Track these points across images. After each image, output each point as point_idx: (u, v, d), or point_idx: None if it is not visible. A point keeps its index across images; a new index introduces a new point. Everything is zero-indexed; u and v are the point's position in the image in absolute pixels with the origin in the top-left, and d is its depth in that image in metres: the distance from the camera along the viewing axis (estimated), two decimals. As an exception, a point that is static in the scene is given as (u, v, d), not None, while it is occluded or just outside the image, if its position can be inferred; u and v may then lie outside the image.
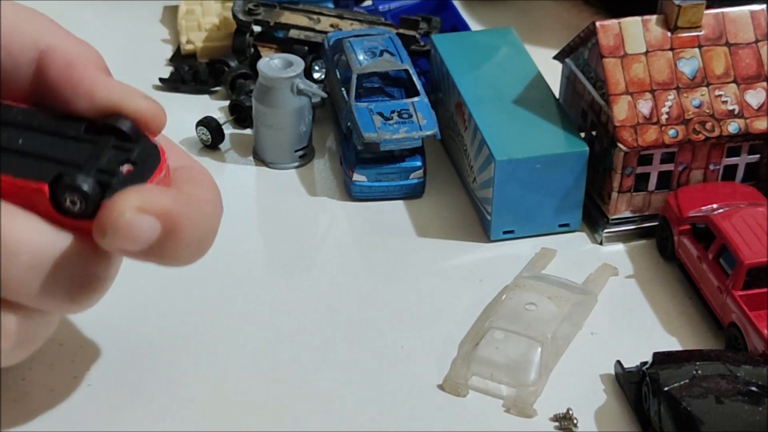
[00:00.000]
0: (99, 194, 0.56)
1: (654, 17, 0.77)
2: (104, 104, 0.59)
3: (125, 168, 0.57)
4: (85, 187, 0.55)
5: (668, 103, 0.76)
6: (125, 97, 0.59)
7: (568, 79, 0.83)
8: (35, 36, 0.61)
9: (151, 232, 0.56)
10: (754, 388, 0.62)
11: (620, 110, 0.75)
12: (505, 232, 0.79)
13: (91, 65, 0.60)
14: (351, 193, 0.82)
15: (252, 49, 0.94)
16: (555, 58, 0.84)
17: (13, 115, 0.59)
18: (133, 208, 0.55)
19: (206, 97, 0.93)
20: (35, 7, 0.64)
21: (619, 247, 0.79)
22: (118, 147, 0.58)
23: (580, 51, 0.80)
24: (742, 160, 0.78)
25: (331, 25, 0.93)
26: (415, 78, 0.83)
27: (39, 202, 0.56)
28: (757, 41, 0.77)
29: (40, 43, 0.60)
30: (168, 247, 0.57)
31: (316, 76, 0.91)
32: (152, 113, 0.60)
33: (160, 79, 0.93)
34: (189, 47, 0.96)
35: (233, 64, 0.93)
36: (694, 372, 0.63)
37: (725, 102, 0.76)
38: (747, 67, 0.77)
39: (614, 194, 0.77)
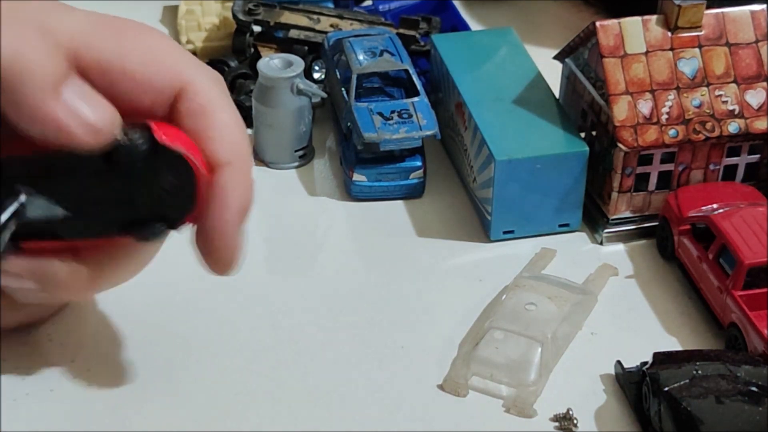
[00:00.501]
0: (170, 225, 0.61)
1: (654, 17, 0.77)
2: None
3: (166, 185, 0.59)
4: (157, 232, 0.61)
5: (668, 103, 0.76)
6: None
7: (568, 79, 0.83)
8: (177, 69, 0.61)
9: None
10: (754, 388, 0.62)
11: (620, 110, 0.75)
12: (505, 232, 0.79)
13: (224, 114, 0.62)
14: (351, 193, 0.82)
15: (252, 49, 0.94)
16: (555, 58, 0.83)
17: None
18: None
19: (206, 97, 0.92)
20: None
21: (619, 247, 0.79)
22: (146, 175, 0.59)
23: (580, 51, 0.80)
24: (742, 160, 0.78)
25: (331, 25, 0.93)
26: (415, 78, 0.83)
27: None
28: (757, 41, 0.77)
29: (182, 78, 0.61)
30: None
31: (316, 76, 0.91)
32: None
33: (160, 79, 0.93)
34: (189, 47, 0.96)
35: (233, 64, 0.93)
36: (695, 372, 0.63)
37: (725, 102, 0.76)
38: (747, 67, 0.77)
39: (614, 194, 0.77)
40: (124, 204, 0.59)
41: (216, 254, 0.61)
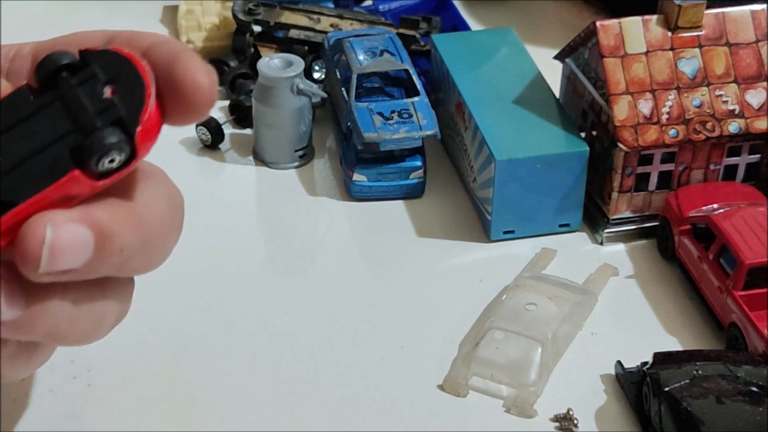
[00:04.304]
0: (123, 128, 0.49)
1: (654, 17, 0.77)
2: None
3: (108, 91, 0.50)
4: (112, 137, 0.49)
5: (669, 103, 0.76)
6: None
7: (569, 79, 0.83)
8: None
9: (83, 242, 0.50)
10: (754, 389, 0.62)
11: (621, 110, 0.75)
12: (505, 232, 0.79)
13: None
14: (351, 193, 0.82)
15: (252, 49, 0.94)
16: (555, 58, 0.83)
17: None
18: (58, 221, 0.49)
19: (206, 97, 0.92)
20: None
21: (620, 247, 0.79)
22: (82, 82, 0.50)
23: (580, 51, 0.80)
24: (743, 160, 0.78)
25: (331, 25, 0.93)
26: (415, 78, 0.83)
27: (77, 188, 0.50)
28: (757, 41, 0.77)
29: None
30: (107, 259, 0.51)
31: (316, 76, 0.91)
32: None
33: (160, 79, 0.93)
34: (189, 47, 0.96)
35: (233, 64, 0.93)
36: (695, 372, 0.63)
37: (726, 102, 0.76)
38: (747, 67, 0.77)
39: (614, 194, 0.77)
40: (68, 129, 0.49)
41: (185, 85, 0.51)
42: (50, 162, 0.50)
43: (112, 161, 0.49)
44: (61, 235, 0.49)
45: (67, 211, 0.49)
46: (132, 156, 0.50)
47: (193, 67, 0.51)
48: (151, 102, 0.50)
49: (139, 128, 0.49)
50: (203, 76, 0.51)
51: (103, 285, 0.54)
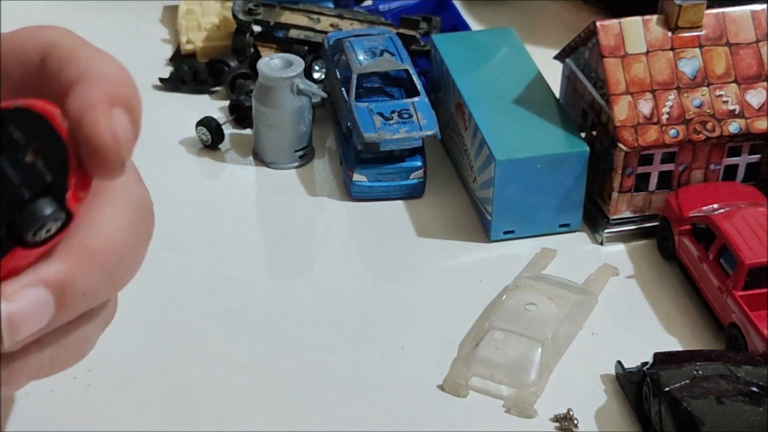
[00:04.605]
0: (56, 199, 0.48)
1: (654, 17, 0.77)
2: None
3: (29, 156, 0.48)
4: (45, 208, 0.47)
5: (669, 103, 0.76)
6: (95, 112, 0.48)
7: (569, 79, 0.83)
8: (45, 31, 0.53)
9: (41, 304, 0.48)
10: (754, 389, 0.62)
11: (621, 110, 0.75)
12: (505, 232, 0.79)
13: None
14: (351, 193, 0.82)
15: (252, 49, 0.94)
16: (555, 58, 0.83)
17: None
18: (9, 293, 0.47)
19: (206, 97, 0.93)
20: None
21: (620, 247, 0.78)
22: (1, 147, 0.48)
23: (580, 51, 0.80)
24: (743, 160, 0.78)
25: (331, 25, 0.93)
26: (415, 78, 0.83)
27: (19, 261, 0.49)
28: (757, 41, 0.77)
29: (48, 35, 0.53)
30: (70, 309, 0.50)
31: (316, 76, 0.91)
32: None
33: (160, 79, 0.93)
34: (189, 47, 0.96)
35: (233, 64, 0.93)
36: (695, 372, 0.63)
37: (726, 102, 0.76)
38: (747, 67, 0.77)
39: (615, 194, 0.77)
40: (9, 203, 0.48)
41: (90, 153, 0.47)
42: None
43: (48, 230, 0.48)
44: (17, 307, 0.48)
45: (17, 278, 0.48)
46: (68, 220, 0.48)
47: (96, 130, 0.47)
48: (75, 162, 0.48)
49: (68, 193, 0.48)
50: (107, 138, 0.47)
51: (79, 318, 0.52)
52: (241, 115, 0.88)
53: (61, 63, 0.51)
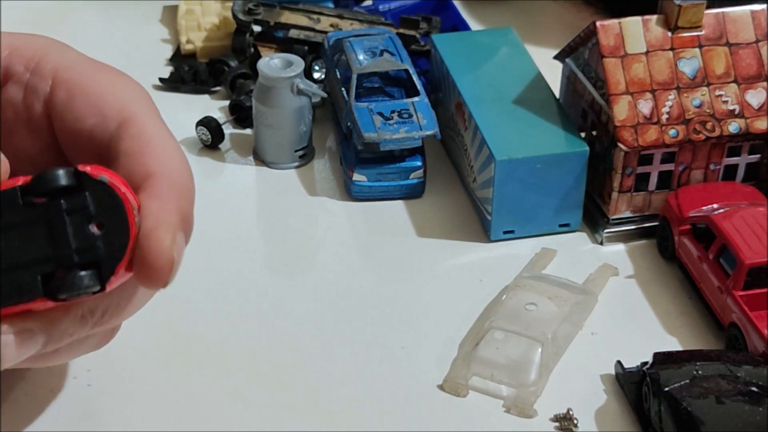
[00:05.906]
0: (98, 274, 0.51)
1: (654, 17, 0.77)
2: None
3: (94, 227, 0.51)
4: (87, 281, 0.51)
5: (669, 103, 0.76)
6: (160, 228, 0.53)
7: (569, 79, 0.83)
8: (125, 100, 0.58)
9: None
10: (754, 389, 0.62)
11: (621, 110, 0.75)
12: (505, 232, 0.79)
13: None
14: (351, 193, 0.82)
15: (252, 49, 0.94)
16: (555, 58, 0.83)
17: None
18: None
19: (206, 97, 0.93)
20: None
21: (620, 247, 0.79)
22: (72, 209, 0.51)
23: (580, 51, 0.80)
24: (743, 160, 0.78)
25: (331, 25, 0.93)
26: (415, 78, 0.83)
27: (38, 306, 0.52)
28: (757, 41, 0.77)
29: (128, 109, 0.57)
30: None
31: (316, 76, 0.91)
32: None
33: (160, 79, 0.93)
34: (189, 47, 0.96)
35: (233, 64, 0.93)
36: (695, 372, 0.63)
37: (726, 102, 0.76)
38: (747, 67, 0.77)
39: (614, 194, 0.77)
40: (47, 255, 0.51)
41: (144, 264, 0.52)
42: (21, 282, 0.51)
43: (78, 295, 0.52)
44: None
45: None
46: (100, 292, 0.52)
47: (159, 249, 0.52)
48: (129, 256, 0.52)
49: (112, 277, 0.51)
50: (164, 262, 0.52)
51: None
52: (241, 115, 0.88)
53: (132, 144, 0.55)
